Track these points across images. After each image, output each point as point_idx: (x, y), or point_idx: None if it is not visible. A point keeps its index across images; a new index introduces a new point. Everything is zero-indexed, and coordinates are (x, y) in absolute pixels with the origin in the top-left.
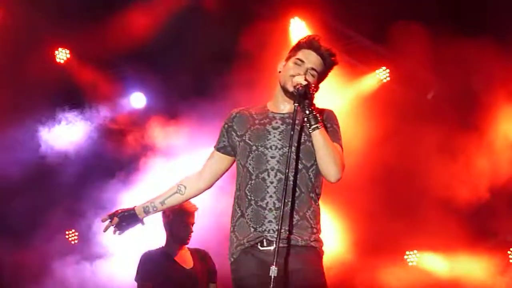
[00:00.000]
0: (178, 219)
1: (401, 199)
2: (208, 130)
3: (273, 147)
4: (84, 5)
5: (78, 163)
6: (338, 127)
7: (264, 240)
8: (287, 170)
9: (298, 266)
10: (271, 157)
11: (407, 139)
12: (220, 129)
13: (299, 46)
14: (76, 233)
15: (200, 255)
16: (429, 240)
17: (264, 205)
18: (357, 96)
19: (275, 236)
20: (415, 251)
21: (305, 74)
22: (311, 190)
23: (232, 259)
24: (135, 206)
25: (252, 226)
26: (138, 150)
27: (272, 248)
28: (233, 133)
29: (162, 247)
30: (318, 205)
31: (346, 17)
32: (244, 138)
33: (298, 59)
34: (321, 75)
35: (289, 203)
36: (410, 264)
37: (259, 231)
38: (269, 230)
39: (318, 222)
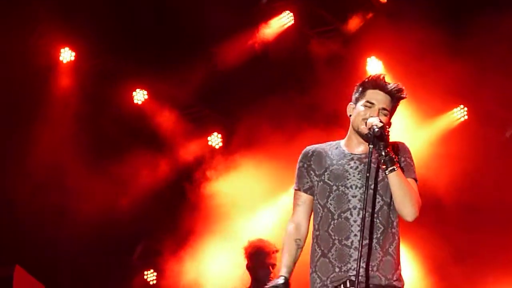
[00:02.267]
0: (259, 262)
1: (480, 240)
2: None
3: (354, 187)
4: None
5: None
6: (412, 160)
7: (348, 281)
8: (364, 206)
9: None
10: (352, 196)
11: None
12: (298, 169)
13: (364, 87)
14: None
15: None
16: None
17: (349, 244)
18: (435, 135)
19: (360, 275)
20: None
21: (378, 116)
22: (392, 226)
23: None
24: (284, 276)
25: (336, 266)
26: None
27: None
28: (311, 172)
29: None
30: (399, 240)
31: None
32: (323, 178)
33: (367, 101)
34: (392, 112)
35: (374, 240)
36: None
37: (344, 271)
38: (353, 269)
39: (399, 257)
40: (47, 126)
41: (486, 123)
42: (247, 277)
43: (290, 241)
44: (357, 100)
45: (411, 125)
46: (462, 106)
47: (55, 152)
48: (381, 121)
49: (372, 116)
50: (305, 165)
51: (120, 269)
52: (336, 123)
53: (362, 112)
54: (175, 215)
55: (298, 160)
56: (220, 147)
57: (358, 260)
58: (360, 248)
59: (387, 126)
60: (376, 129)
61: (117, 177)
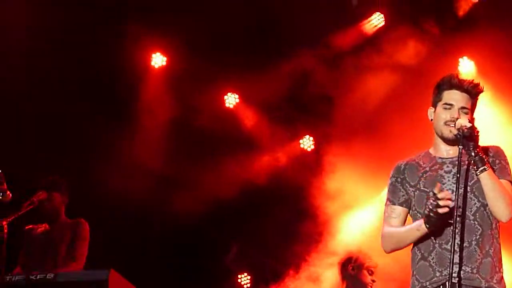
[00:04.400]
0: (357, 280)
1: None
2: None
3: (450, 191)
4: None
5: None
6: (507, 163)
7: (447, 283)
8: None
9: None
10: (452, 201)
11: None
12: (392, 184)
13: (440, 89)
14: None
15: None
16: None
17: (449, 247)
18: None
19: (459, 276)
20: None
21: (458, 116)
22: (491, 227)
23: None
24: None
25: (437, 270)
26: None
27: None
28: (407, 185)
29: None
30: (499, 243)
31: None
32: (418, 186)
33: (445, 103)
34: (473, 109)
35: (473, 242)
36: None
37: (444, 275)
38: (454, 272)
39: (500, 260)
40: (140, 131)
41: None
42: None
43: (393, 229)
44: (435, 103)
45: (503, 125)
46: None
47: (148, 157)
48: (470, 121)
49: (452, 119)
50: (399, 179)
51: (214, 270)
52: None
53: (442, 115)
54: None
55: (391, 176)
56: (312, 149)
57: (451, 261)
58: (452, 250)
59: (476, 127)
60: (466, 130)
61: (210, 181)
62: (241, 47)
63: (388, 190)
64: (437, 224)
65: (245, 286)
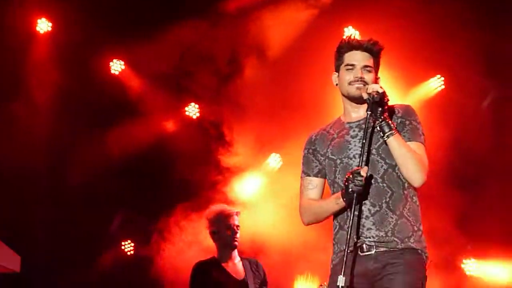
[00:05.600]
0: (223, 225)
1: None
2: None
3: (357, 156)
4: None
5: None
6: (418, 123)
7: (364, 245)
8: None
9: (396, 270)
10: (357, 166)
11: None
12: (304, 156)
13: (341, 52)
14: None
15: (252, 265)
16: None
17: (362, 215)
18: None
19: (375, 240)
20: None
21: (362, 75)
22: (403, 187)
23: (331, 266)
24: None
25: (354, 237)
26: None
27: (372, 252)
28: (318, 155)
29: (213, 257)
30: (416, 201)
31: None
32: (327, 154)
33: (347, 64)
34: (376, 67)
35: (383, 204)
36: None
37: (361, 240)
38: (369, 237)
39: (418, 220)
40: (23, 98)
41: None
42: (212, 247)
43: (313, 202)
44: (338, 67)
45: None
46: (439, 76)
47: (36, 124)
48: (381, 87)
49: (356, 79)
50: (311, 150)
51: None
52: None
53: (346, 77)
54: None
55: (303, 148)
56: (197, 117)
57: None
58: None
59: (386, 93)
60: (376, 95)
61: (101, 146)
62: (128, 14)
63: (302, 163)
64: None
65: (128, 253)
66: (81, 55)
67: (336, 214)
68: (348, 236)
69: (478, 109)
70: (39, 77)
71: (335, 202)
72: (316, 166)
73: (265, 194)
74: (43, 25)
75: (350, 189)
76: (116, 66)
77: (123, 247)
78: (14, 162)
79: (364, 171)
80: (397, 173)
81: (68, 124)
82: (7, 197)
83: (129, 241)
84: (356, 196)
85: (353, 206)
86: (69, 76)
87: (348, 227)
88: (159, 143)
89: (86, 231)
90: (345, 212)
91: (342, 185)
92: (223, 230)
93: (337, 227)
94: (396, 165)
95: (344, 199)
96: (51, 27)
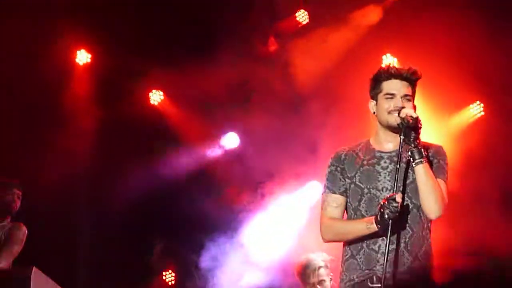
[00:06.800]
0: (305, 281)
1: None
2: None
3: (384, 189)
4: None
5: None
6: (446, 164)
7: (374, 276)
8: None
9: None
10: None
11: None
12: (331, 172)
13: (379, 80)
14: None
15: None
16: None
17: (376, 249)
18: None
19: (386, 276)
20: None
21: (402, 104)
22: (423, 228)
23: None
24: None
25: (364, 269)
26: None
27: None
28: (345, 174)
29: None
30: (430, 243)
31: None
32: (354, 180)
33: (387, 93)
34: (413, 96)
35: (401, 244)
36: None
37: (372, 270)
38: (380, 270)
39: (430, 262)
40: (64, 128)
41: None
42: None
43: (336, 221)
44: (375, 95)
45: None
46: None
47: (77, 153)
48: (415, 112)
49: (396, 107)
50: (339, 168)
51: (139, 269)
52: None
53: (385, 105)
54: None
55: (330, 164)
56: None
57: (385, 262)
58: (387, 245)
59: (420, 119)
60: (411, 120)
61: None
62: (166, 43)
63: (327, 179)
64: (387, 225)
65: (169, 283)
66: (120, 85)
67: (350, 242)
68: (385, 262)
69: None
70: (80, 107)
71: (366, 226)
72: (343, 184)
73: None
74: (83, 57)
75: (386, 216)
76: (155, 97)
77: (164, 277)
78: (56, 189)
79: (399, 197)
80: (420, 214)
81: (108, 152)
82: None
83: (170, 271)
84: (391, 223)
85: (389, 233)
86: (109, 108)
87: (383, 253)
88: (200, 171)
89: (127, 260)
90: (359, 242)
91: (364, 214)
92: (306, 286)
93: (348, 254)
94: (420, 205)
95: (378, 225)
96: (90, 58)
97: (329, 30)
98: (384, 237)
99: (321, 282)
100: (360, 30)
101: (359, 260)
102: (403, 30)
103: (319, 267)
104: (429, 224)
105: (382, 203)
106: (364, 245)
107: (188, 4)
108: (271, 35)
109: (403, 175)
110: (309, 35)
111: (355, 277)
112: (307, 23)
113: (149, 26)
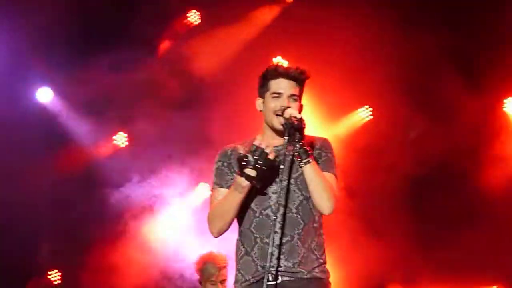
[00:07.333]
0: (208, 278)
1: None
2: None
3: (273, 183)
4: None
5: None
6: (333, 155)
7: (270, 275)
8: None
9: None
10: (273, 193)
11: None
12: (219, 168)
13: (267, 79)
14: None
15: None
16: None
17: (270, 242)
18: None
19: (281, 270)
20: None
21: (288, 104)
22: (313, 220)
23: None
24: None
25: (259, 265)
26: None
27: (278, 282)
28: (232, 170)
29: None
30: (322, 234)
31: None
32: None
33: (274, 93)
34: (301, 96)
35: (295, 236)
36: None
37: (266, 269)
38: (275, 266)
39: (323, 253)
40: None
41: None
42: None
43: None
44: (263, 93)
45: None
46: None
47: None
48: (299, 112)
49: (282, 107)
50: (225, 164)
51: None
52: None
53: (271, 105)
54: None
55: (217, 160)
56: (126, 146)
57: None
58: (271, 240)
59: (304, 119)
60: (295, 122)
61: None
62: (60, 42)
63: (215, 175)
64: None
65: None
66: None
67: (242, 236)
68: (271, 249)
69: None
70: None
71: (236, 188)
72: (231, 179)
73: None
74: None
75: (251, 162)
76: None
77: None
78: None
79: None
80: (310, 206)
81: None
82: None
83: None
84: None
85: (276, 225)
86: None
87: (277, 246)
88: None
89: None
90: (252, 236)
91: (255, 208)
92: (208, 283)
93: (243, 251)
94: (310, 197)
95: (246, 177)
96: None
97: (222, 29)
98: (278, 230)
99: (223, 281)
100: (255, 29)
101: (254, 256)
102: (297, 31)
103: (224, 267)
104: (320, 217)
105: (243, 157)
106: (258, 239)
107: (79, 4)
108: (163, 35)
109: (291, 169)
110: (202, 34)
111: (250, 277)
112: (200, 23)
113: (40, 24)
